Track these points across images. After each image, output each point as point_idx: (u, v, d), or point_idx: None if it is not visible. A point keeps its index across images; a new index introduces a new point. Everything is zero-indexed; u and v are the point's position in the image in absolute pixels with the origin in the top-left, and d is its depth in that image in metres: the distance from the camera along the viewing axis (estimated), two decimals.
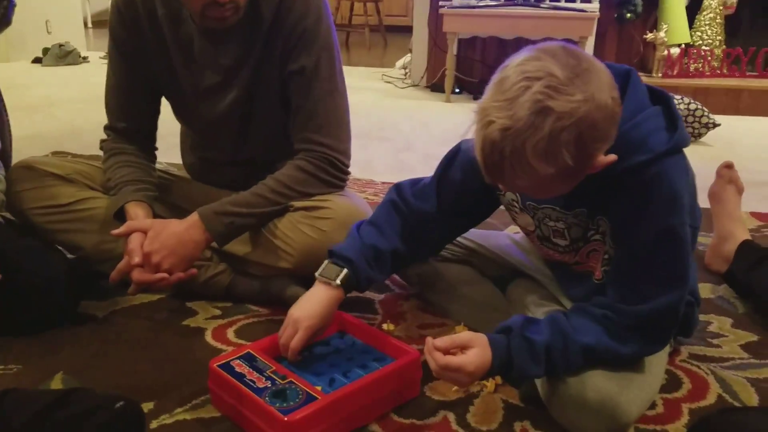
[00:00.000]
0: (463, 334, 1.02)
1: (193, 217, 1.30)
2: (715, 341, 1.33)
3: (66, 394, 0.92)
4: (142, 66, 1.41)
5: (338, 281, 1.12)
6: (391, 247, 1.18)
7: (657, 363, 1.08)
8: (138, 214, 1.34)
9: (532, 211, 1.13)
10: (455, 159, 1.20)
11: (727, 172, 1.66)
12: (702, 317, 1.38)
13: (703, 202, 1.58)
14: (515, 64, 0.88)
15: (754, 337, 1.35)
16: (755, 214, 2.05)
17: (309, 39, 1.33)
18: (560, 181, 0.92)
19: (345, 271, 1.12)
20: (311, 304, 1.11)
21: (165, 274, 1.26)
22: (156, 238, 1.26)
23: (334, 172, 1.38)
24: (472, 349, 0.98)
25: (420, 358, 1.12)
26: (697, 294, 1.22)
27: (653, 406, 1.11)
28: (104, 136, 1.48)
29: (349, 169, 1.43)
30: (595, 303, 1.04)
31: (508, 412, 1.10)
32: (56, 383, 1.15)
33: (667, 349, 1.14)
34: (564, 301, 1.19)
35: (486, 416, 1.09)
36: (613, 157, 0.92)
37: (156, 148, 1.53)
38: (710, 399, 1.14)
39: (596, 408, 0.97)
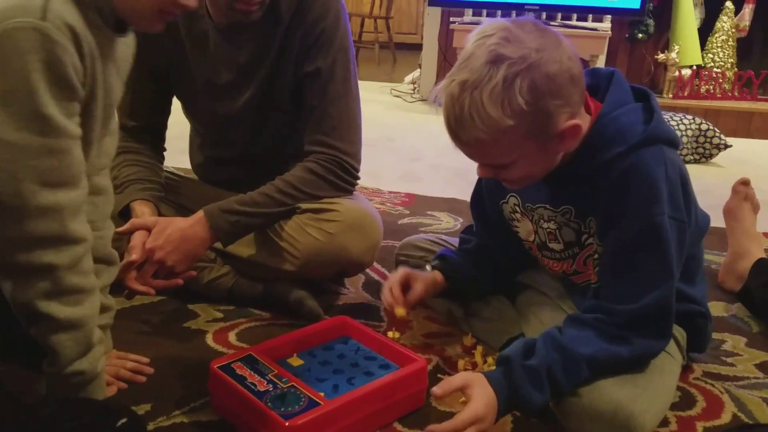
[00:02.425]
0: (457, 377, 0.99)
1: (199, 215, 1.27)
2: (729, 360, 1.29)
3: (64, 406, 0.87)
4: (155, 62, 1.38)
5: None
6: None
7: (669, 374, 1.06)
8: (144, 212, 1.32)
9: (530, 213, 1.13)
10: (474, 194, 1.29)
11: (743, 189, 1.63)
12: (716, 335, 1.35)
13: (718, 219, 1.55)
14: (477, 29, 0.94)
15: None
16: None
17: (326, 40, 1.32)
18: (525, 139, 0.93)
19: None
20: None
21: (152, 290, 1.22)
22: (160, 234, 1.23)
23: (343, 176, 1.35)
24: (473, 388, 0.95)
25: (426, 366, 1.09)
26: (706, 307, 1.18)
27: (666, 423, 1.07)
28: None
29: (359, 174, 1.40)
30: (585, 308, 1.04)
31: (517, 425, 1.06)
32: None
33: (680, 360, 1.12)
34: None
35: (494, 429, 1.05)
36: (575, 121, 0.94)
37: (165, 149, 1.51)
38: (725, 418, 1.11)
39: (609, 417, 0.95)
